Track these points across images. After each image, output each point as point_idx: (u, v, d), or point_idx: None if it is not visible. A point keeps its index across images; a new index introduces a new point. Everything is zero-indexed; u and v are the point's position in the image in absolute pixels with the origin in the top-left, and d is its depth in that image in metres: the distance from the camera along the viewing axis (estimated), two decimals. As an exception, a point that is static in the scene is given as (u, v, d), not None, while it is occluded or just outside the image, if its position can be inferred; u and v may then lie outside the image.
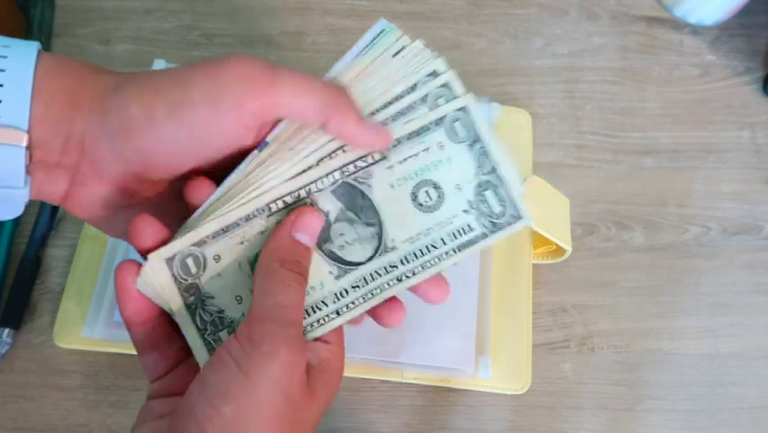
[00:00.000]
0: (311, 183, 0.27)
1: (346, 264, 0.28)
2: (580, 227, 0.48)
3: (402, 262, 0.28)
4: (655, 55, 0.55)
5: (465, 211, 0.28)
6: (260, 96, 0.25)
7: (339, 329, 0.28)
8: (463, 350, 0.42)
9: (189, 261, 0.27)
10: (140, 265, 0.27)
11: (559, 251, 0.45)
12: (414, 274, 0.28)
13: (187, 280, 0.27)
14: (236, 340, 0.24)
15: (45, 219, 0.45)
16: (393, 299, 0.28)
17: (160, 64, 0.49)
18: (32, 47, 0.25)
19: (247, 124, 0.26)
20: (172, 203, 0.28)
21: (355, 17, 0.54)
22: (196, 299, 0.27)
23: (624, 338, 0.45)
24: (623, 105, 0.53)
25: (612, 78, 0.54)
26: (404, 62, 0.28)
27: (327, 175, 0.27)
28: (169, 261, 0.26)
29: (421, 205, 0.28)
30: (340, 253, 0.28)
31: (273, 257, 0.26)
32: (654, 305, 0.46)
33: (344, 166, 0.27)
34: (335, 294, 0.28)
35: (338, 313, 0.28)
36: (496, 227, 0.28)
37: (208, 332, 0.27)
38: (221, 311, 0.27)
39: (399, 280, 0.28)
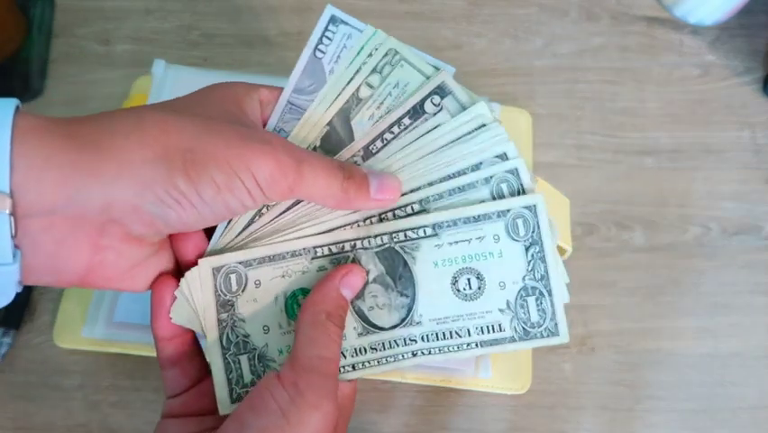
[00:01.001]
0: (359, 239, 0.28)
1: (371, 326, 0.28)
2: (580, 227, 0.48)
3: (423, 339, 0.28)
4: (655, 55, 0.55)
5: (501, 311, 0.28)
6: (286, 190, 0.26)
7: None
8: (463, 350, 0.42)
9: (233, 277, 0.27)
10: (177, 280, 0.27)
11: (559, 251, 0.45)
12: (429, 353, 0.28)
13: (225, 296, 0.27)
14: (281, 385, 0.25)
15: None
16: None
17: (159, 64, 0.49)
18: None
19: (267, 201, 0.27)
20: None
21: (355, 17, 0.54)
22: (228, 316, 0.27)
23: (624, 338, 0.45)
24: (623, 105, 0.53)
25: (612, 78, 0.54)
26: (474, 141, 0.28)
27: (376, 237, 0.28)
28: (216, 270, 0.27)
29: (459, 291, 0.28)
30: (368, 314, 0.28)
31: (320, 307, 0.26)
32: (654, 305, 0.46)
33: (396, 232, 0.28)
34: (355, 349, 0.28)
35: (354, 367, 0.28)
36: (528, 336, 0.28)
37: (231, 352, 0.27)
38: (247, 336, 0.27)
39: (414, 354, 0.28)
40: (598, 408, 0.43)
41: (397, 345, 0.28)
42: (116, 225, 0.24)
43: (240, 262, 0.27)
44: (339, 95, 0.28)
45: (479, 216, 0.27)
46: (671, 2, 0.56)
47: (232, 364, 0.27)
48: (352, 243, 0.28)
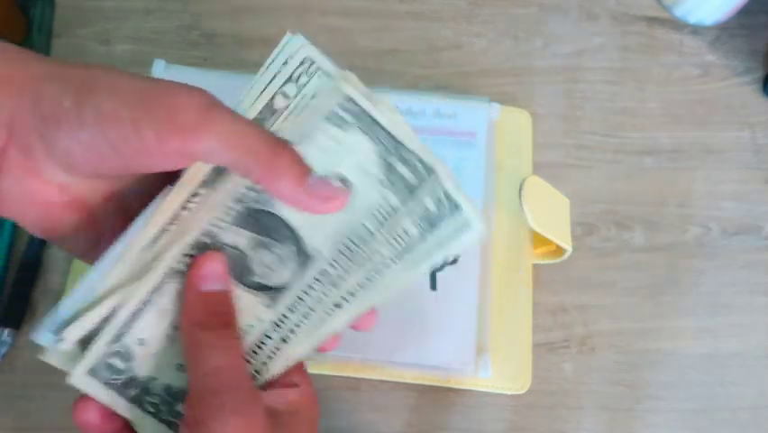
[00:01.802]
0: (210, 227, 0.25)
1: (272, 290, 0.26)
2: (580, 227, 0.48)
3: (332, 266, 0.26)
4: (655, 55, 0.55)
5: (378, 191, 0.25)
6: (183, 134, 0.22)
7: (302, 371, 0.27)
8: (463, 349, 0.42)
9: (114, 360, 0.25)
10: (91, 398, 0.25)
11: (559, 251, 0.45)
12: (353, 295, 0.26)
13: (120, 380, 0.25)
14: (186, 428, 0.23)
15: (45, 219, 0.45)
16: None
17: (159, 64, 0.49)
18: None
19: (173, 160, 0.23)
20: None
21: (355, 17, 0.54)
22: (138, 390, 0.25)
23: (624, 338, 0.45)
24: (623, 105, 0.53)
25: (612, 78, 0.54)
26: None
27: (224, 212, 0.25)
28: (93, 372, 0.25)
29: None
30: (264, 281, 0.26)
31: (190, 324, 0.24)
32: (654, 305, 0.46)
33: (241, 195, 0.25)
34: (275, 323, 0.26)
35: (284, 340, 0.26)
36: (434, 227, 0.25)
37: (164, 412, 0.26)
38: (168, 387, 0.25)
39: (335, 285, 0.26)
40: (598, 408, 0.43)
41: (314, 289, 0.26)
42: (16, 144, 0.23)
43: (109, 342, 0.24)
44: (253, 104, 0.25)
45: (306, 131, 0.25)
46: (671, 2, 0.56)
47: (174, 419, 0.26)
48: (206, 232, 0.25)
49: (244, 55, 0.52)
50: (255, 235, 0.26)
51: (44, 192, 0.24)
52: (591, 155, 0.51)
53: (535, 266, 0.46)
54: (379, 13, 0.54)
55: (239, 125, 0.23)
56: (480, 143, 0.47)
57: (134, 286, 0.24)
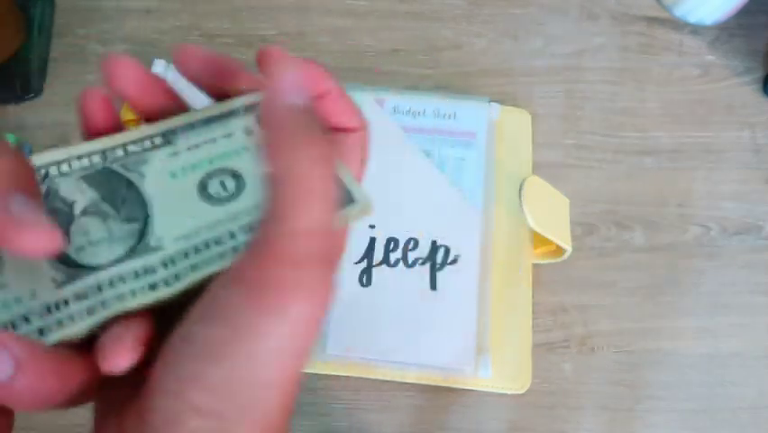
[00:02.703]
0: (54, 164, 0.22)
1: (78, 268, 0.21)
2: (580, 227, 0.48)
3: (165, 265, 0.21)
4: (655, 55, 0.55)
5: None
6: None
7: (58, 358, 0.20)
8: (463, 349, 0.42)
9: None
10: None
11: (559, 251, 0.45)
12: (177, 279, 0.21)
13: None
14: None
15: (45, 219, 0.45)
16: (120, 333, 0.19)
17: (159, 64, 0.49)
18: None
19: None
20: None
21: (355, 17, 0.54)
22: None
23: (624, 338, 0.45)
24: (623, 105, 0.53)
25: (612, 78, 0.54)
26: None
27: (81, 158, 0.22)
28: None
29: (211, 197, 0.22)
30: (75, 256, 0.21)
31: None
32: (654, 305, 0.46)
33: (110, 149, 0.22)
34: (47, 307, 0.20)
35: (41, 332, 0.20)
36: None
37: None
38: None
39: (154, 287, 0.20)
40: (598, 408, 0.43)
41: (123, 282, 0.20)
42: None
43: None
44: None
45: (222, 114, 0.23)
46: (671, 2, 0.56)
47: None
48: (44, 170, 0.21)
49: (244, 55, 0.52)
50: (100, 200, 0.22)
51: None
52: (591, 155, 0.51)
53: (535, 266, 0.46)
54: (379, 13, 0.54)
55: None
56: (479, 143, 0.48)
57: None
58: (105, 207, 0.22)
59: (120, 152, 0.22)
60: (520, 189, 0.43)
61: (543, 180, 0.45)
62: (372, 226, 0.45)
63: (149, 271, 0.21)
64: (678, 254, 0.48)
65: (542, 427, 0.43)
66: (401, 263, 0.44)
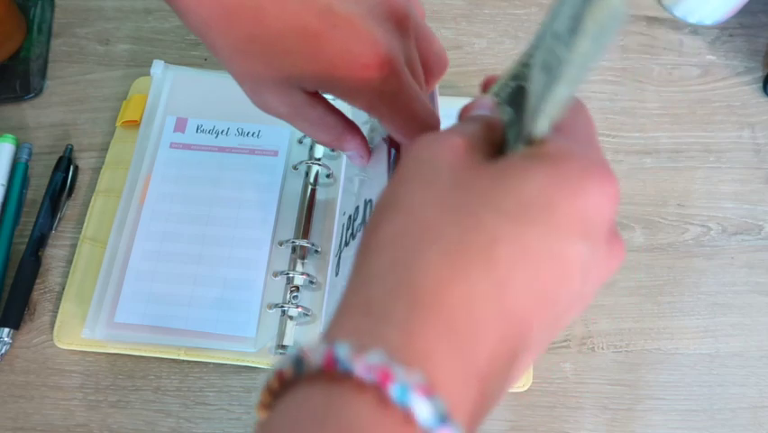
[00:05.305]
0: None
1: None
2: (580, 227, 0.48)
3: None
4: (655, 55, 0.55)
5: None
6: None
7: None
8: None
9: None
10: None
11: (559, 251, 0.45)
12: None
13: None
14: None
15: (45, 219, 0.45)
16: None
17: (158, 65, 0.49)
18: None
19: None
20: None
21: (355, 17, 0.54)
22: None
23: (624, 338, 0.45)
24: (623, 105, 0.53)
25: (612, 78, 0.54)
26: None
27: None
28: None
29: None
30: None
31: None
32: (654, 305, 0.46)
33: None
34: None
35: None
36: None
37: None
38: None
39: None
40: (598, 408, 0.43)
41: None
42: None
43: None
44: None
45: None
46: (671, 2, 0.56)
47: None
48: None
49: (244, 55, 0.52)
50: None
51: None
52: (591, 155, 0.51)
53: (535, 266, 0.46)
54: (379, 13, 0.54)
55: None
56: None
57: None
58: None
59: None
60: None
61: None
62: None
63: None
64: (678, 254, 0.48)
65: (542, 426, 0.43)
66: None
